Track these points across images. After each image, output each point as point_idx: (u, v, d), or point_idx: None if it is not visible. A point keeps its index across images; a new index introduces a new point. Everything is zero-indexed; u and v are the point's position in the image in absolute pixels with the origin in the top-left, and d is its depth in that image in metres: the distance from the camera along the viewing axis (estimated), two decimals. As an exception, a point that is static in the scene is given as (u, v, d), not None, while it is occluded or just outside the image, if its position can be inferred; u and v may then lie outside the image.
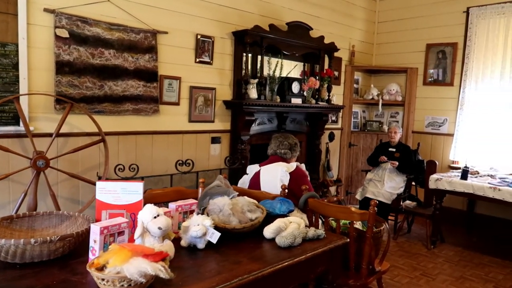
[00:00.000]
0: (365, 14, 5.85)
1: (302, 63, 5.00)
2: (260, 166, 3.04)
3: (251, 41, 4.09)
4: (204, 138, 4.07)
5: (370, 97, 5.78)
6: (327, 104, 4.97)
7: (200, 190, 2.62)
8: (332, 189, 5.54)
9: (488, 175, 4.32)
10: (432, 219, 4.35)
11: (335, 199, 3.39)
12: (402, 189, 4.72)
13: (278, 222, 2.03)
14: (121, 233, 1.65)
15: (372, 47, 6.07)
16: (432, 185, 4.30)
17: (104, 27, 3.20)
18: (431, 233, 4.36)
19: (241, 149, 4.24)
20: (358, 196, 4.87)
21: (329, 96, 5.05)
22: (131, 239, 1.71)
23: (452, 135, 5.22)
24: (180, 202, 2.01)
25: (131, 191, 1.84)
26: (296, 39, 4.51)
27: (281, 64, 4.28)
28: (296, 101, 4.57)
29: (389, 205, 4.66)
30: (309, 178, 3.01)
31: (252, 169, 3.09)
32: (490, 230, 4.91)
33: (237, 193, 2.44)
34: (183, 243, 1.86)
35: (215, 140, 4.16)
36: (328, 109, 5.04)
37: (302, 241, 2.00)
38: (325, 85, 5.00)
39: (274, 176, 2.81)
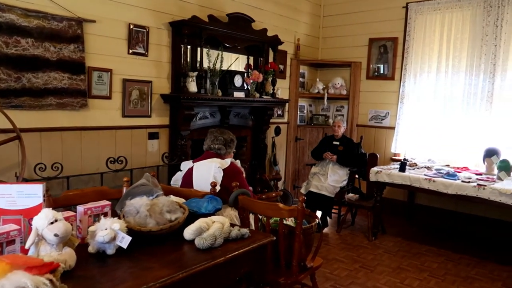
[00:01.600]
0: (310, 7, 5.83)
1: (246, 56, 4.90)
2: (193, 162, 2.90)
3: (189, 33, 3.93)
4: (141, 133, 3.87)
5: (316, 91, 5.79)
6: (272, 98, 4.91)
7: (124, 189, 2.45)
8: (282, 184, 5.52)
9: (425, 167, 4.44)
10: (373, 211, 4.41)
11: (273, 194, 3.32)
12: (345, 182, 4.76)
13: (199, 223, 1.92)
14: (10, 242, 1.46)
15: (318, 41, 6.08)
16: (372, 177, 4.36)
17: (19, 13, 2.92)
18: (372, 224, 4.43)
19: (181, 144, 4.08)
20: (302, 190, 4.86)
21: (273, 90, 4.99)
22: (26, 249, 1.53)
23: (393, 128, 5.33)
24: (90, 204, 1.85)
25: (29, 194, 1.65)
26: (237, 31, 4.39)
27: (221, 57, 4.15)
28: (239, 95, 4.47)
29: (333, 199, 4.69)
30: (244, 175, 2.92)
31: (186, 165, 2.95)
32: (429, 219, 5.09)
33: (162, 192, 2.31)
34: (91, 249, 1.70)
35: (152, 136, 3.97)
36: (273, 103, 4.98)
37: (225, 241, 1.90)
38: (270, 79, 4.93)
39: (207, 172, 2.69)
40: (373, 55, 5.53)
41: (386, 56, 5.42)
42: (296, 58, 5.61)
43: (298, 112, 5.79)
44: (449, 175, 3.99)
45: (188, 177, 2.82)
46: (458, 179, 3.91)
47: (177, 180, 2.96)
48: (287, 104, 5.59)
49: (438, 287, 3.36)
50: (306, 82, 5.97)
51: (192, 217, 2.07)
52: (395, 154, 5.38)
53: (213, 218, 2.02)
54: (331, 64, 5.90)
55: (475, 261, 3.91)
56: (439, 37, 4.84)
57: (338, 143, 4.94)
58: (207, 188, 2.63)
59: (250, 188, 3.01)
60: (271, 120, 5.34)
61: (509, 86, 4.40)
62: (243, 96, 4.52)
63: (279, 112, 5.52)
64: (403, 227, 4.94)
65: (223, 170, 2.72)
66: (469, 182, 3.78)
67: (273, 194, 3.33)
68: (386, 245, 4.30)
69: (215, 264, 1.71)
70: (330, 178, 4.69)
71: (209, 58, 4.09)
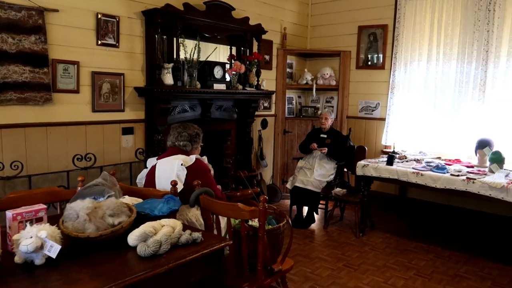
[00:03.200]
0: (297, -5, 5.61)
1: (229, 47, 4.70)
2: (157, 159, 2.73)
3: (163, 22, 3.74)
4: (113, 129, 3.69)
5: (304, 82, 5.59)
6: (256, 90, 4.72)
7: (79, 190, 2.29)
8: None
9: (415, 160, 4.25)
10: (360, 206, 4.24)
11: (249, 191, 3.15)
12: (332, 177, 4.58)
13: (144, 227, 1.75)
14: None
15: (306, 30, 5.86)
16: (359, 171, 4.18)
17: (-29, 2, 2.74)
18: (360, 220, 4.25)
19: (158, 139, 3.90)
20: (288, 185, 4.69)
21: (258, 81, 4.80)
22: None
23: (384, 119, 5.13)
24: (21, 209, 1.68)
25: None
26: (216, 20, 4.19)
27: (198, 47, 3.95)
28: (219, 87, 4.28)
29: (319, 194, 4.51)
30: (212, 172, 2.75)
31: (150, 162, 2.78)
32: (421, 214, 4.91)
33: (114, 192, 2.14)
34: (17, 259, 1.54)
35: (126, 131, 3.80)
36: (257, 95, 4.79)
37: (174, 247, 1.74)
38: (254, 70, 4.74)
39: (170, 170, 2.52)
40: (363, 43, 5.32)
41: (376, 45, 5.20)
42: (282, 48, 5.40)
43: (286, 104, 5.60)
44: (438, 168, 3.80)
45: (151, 176, 2.65)
46: (447, 172, 3.72)
47: (142, 178, 2.80)
48: (273, 96, 5.40)
49: (424, 287, 3.19)
50: (294, 73, 5.76)
51: (144, 220, 1.90)
52: (386, 147, 5.18)
53: (163, 221, 1.86)
54: (320, 54, 5.69)
55: (465, 258, 3.73)
56: (430, 24, 4.62)
57: (325, 136, 4.75)
58: (169, 187, 2.46)
59: (219, 186, 2.84)
60: (257, 113, 5.16)
61: (503, 73, 4.18)
62: (224, 88, 4.33)
63: (266, 105, 5.33)
64: (393, 222, 4.76)
65: (188, 167, 2.55)
66: (458, 175, 3.59)
67: (249, 191, 3.16)
68: (374, 241, 4.12)
69: (155, 274, 1.54)
70: (316, 172, 4.51)
71: (185, 48, 3.89)
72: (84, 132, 3.48)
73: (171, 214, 2.08)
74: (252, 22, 4.65)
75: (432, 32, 4.61)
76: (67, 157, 3.35)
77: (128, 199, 2.17)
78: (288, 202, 4.91)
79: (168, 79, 3.80)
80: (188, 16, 3.92)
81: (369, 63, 5.28)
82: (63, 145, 3.35)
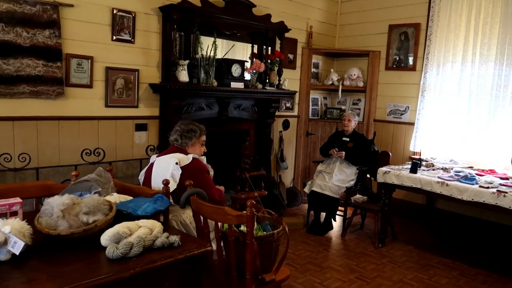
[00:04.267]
0: (326, -8, 5.41)
1: (250, 45, 4.59)
2: (157, 156, 2.66)
3: (180, 18, 3.68)
4: (126, 124, 3.69)
5: (330, 82, 5.37)
6: (276, 90, 4.57)
7: (69, 184, 2.26)
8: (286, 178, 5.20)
9: (442, 168, 3.94)
10: (380, 215, 3.98)
11: (256, 194, 3.02)
12: (352, 182, 4.35)
13: (118, 227, 1.67)
14: None
15: (334, 29, 5.64)
16: (380, 178, 3.93)
17: (-14, -4, 2.80)
18: (379, 230, 4.00)
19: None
20: (306, 189, 4.51)
21: (279, 80, 4.65)
22: None
23: (413, 124, 4.82)
24: (-6, 202, 1.65)
25: None
26: (235, 17, 4.09)
27: (215, 44, 3.87)
28: (237, 85, 4.18)
29: (337, 199, 4.30)
30: (212, 173, 2.64)
31: (152, 159, 2.72)
32: (449, 226, 4.56)
33: (100, 189, 2.09)
34: (-17, 253, 1.50)
35: (140, 127, 3.78)
36: (278, 95, 4.64)
37: (148, 250, 1.65)
38: (275, 69, 4.60)
39: (165, 169, 2.44)
40: (393, 43, 5.03)
41: (407, 45, 4.90)
42: (308, 47, 5.22)
43: (311, 105, 5.41)
44: (467, 178, 3.49)
45: (148, 173, 2.58)
46: (477, 183, 3.40)
47: (142, 175, 2.74)
48: (297, 97, 5.23)
49: (442, 307, 2.92)
50: (320, 73, 5.56)
51: (126, 220, 1.83)
52: (414, 153, 4.87)
53: (141, 222, 1.77)
54: (347, 54, 5.46)
55: (493, 279, 3.40)
56: (466, 22, 4.27)
57: (348, 139, 4.53)
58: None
59: (221, 188, 2.73)
60: (279, 113, 5.02)
61: (547, 77, 3.79)
62: (242, 86, 4.22)
63: (288, 105, 5.17)
64: (418, 233, 4.45)
65: (183, 167, 2.45)
66: (488, 187, 3.27)
67: (255, 194, 3.03)
68: (393, 254, 3.86)
69: (119, 278, 1.45)
70: (335, 177, 4.29)
71: (201, 45, 3.82)
72: (96, 127, 3.49)
73: (156, 215, 2.00)
74: (275, 19, 4.51)
75: (468, 31, 4.26)
76: (79, 151, 3.37)
77: (116, 197, 2.11)
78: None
79: (183, 76, 3.75)
80: (205, 12, 3.85)
81: (399, 64, 4.99)
82: (75, 139, 3.37)
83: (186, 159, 2.50)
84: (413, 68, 4.86)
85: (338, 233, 4.35)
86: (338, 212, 4.44)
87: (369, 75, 5.19)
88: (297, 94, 5.22)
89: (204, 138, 2.77)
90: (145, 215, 1.92)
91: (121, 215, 1.88)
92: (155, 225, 1.76)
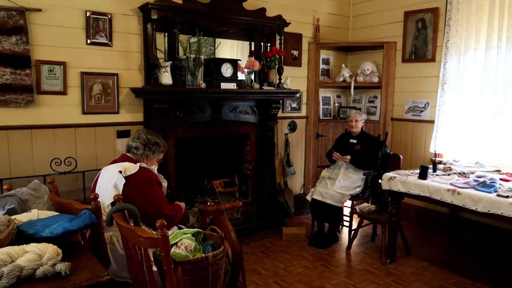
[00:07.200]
0: (335, -19, 4.98)
1: (248, 42, 4.29)
2: (109, 164, 2.44)
3: (160, 17, 3.47)
4: (107, 131, 3.53)
5: (341, 79, 4.93)
6: (275, 89, 4.23)
7: (0, 199, 2.09)
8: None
9: (459, 173, 3.39)
10: (388, 226, 3.51)
11: (227, 206, 2.69)
12: (359, 189, 3.91)
13: (-4, 253, 1.45)
14: None
15: (347, 21, 5.18)
16: (385, 185, 3.46)
17: None
18: (387, 244, 3.52)
19: (155, 143, 3.64)
20: (308, 197, 4.11)
21: (280, 79, 4.30)
22: None
23: (434, 122, 4.26)
24: None
25: None
26: (223, 13, 3.81)
27: (199, 43, 3.61)
28: (228, 86, 3.88)
29: (341, 209, 3.88)
30: (165, 185, 2.38)
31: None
32: (476, 240, 3.95)
33: (14, 206, 1.89)
34: None
35: (122, 134, 3.61)
36: (277, 95, 4.28)
37: (29, 280, 1.42)
38: (275, 67, 4.26)
39: (109, 180, 2.21)
40: (410, 32, 4.49)
41: (425, 33, 4.35)
42: (315, 41, 4.81)
43: (321, 105, 5.00)
44: (484, 185, 2.94)
45: (94, 184, 2.37)
46: (495, 191, 2.85)
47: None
48: (304, 96, 4.84)
49: None
50: (332, 70, 5.13)
51: (30, 242, 1.62)
52: (435, 155, 4.29)
53: (30, 246, 1.54)
54: (361, 47, 4.98)
55: (518, 307, 2.83)
56: (490, 2, 3.67)
57: (355, 141, 4.09)
58: (105, 199, 2.16)
59: (182, 204, 2.46)
60: (284, 114, 4.68)
61: None
62: (235, 87, 3.93)
63: (294, 105, 4.79)
64: (438, 247, 3.90)
65: (128, 177, 2.21)
66: (507, 196, 2.72)
67: (227, 206, 2.72)
68: (402, 271, 3.37)
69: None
70: (339, 183, 3.87)
71: (184, 45, 3.58)
72: (73, 135, 3.36)
73: (71, 236, 1.77)
74: (274, 13, 4.18)
75: (492, 13, 3.66)
76: (56, 160, 3.25)
77: (34, 213, 1.90)
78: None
79: (166, 78, 3.53)
80: (188, 10, 3.61)
81: (417, 55, 4.44)
82: (50, 148, 3.25)
83: (133, 168, 2.26)
84: (432, 59, 4.30)
85: (345, 246, 3.91)
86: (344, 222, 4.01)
87: (385, 69, 4.69)
88: (305, 93, 4.84)
89: (162, 156, 2.55)
90: (51, 236, 1.69)
91: (22, 236, 1.67)
92: (47, 250, 1.53)
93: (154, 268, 1.91)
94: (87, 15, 3.30)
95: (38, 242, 1.62)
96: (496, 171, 3.52)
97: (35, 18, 3.09)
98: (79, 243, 1.87)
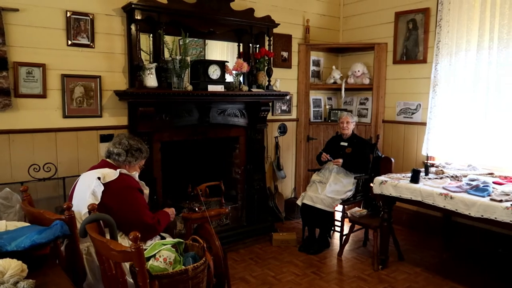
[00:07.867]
0: (325, -18, 4.91)
1: (236, 44, 4.19)
2: (88, 170, 2.33)
3: (144, 18, 3.37)
4: (90, 136, 3.41)
5: (332, 81, 4.85)
6: (264, 91, 4.13)
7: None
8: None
9: (452, 176, 3.32)
10: (380, 231, 3.42)
11: (212, 213, 2.58)
12: (350, 193, 3.82)
13: (-49, 271, 1.33)
14: None
15: (338, 22, 5.11)
16: (376, 189, 3.38)
17: None
18: (379, 250, 3.43)
19: (140, 147, 3.53)
20: (298, 202, 4.02)
21: (269, 81, 4.21)
22: None
23: (426, 124, 4.19)
24: None
25: None
26: (209, 14, 3.71)
27: (184, 44, 3.51)
28: (215, 88, 3.78)
29: (332, 213, 3.79)
30: (146, 192, 2.27)
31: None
32: (472, 244, 3.88)
33: (-21, 217, 1.77)
34: None
35: (106, 138, 3.48)
36: (267, 97, 4.18)
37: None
38: (264, 68, 4.17)
39: (87, 186, 2.10)
40: (401, 33, 4.42)
41: (416, 34, 4.28)
42: (305, 43, 4.73)
43: (312, 107, 4.92)
44: (477, 189, 2.87)
45: (72, 191, 2.25)
46: (489, 195, 2.77)
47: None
48: (294, 98, 4.75)
49: None
50: (323, 71, 5.05)
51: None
52: (427, 158, 4.22)
53: (-8, 262, 1.42)
54: (351, 48, 4.91)
55: (513, 314, 2.75)
56: (481, 2, 3.62)
57: (346, 143, 4.01)
58: (82, 207, 2.04)
59: (170, 210, 2.36)
60: (274, 117, 4.59)
61: None
62: (222, 89, 3.83)
63: (284, 108, 4.70)
64: (432, 252, 3.81)
65: (108, 183, 2.10)
66: (501, 201, 2.64)
67: (212, 213, 2.61)
68: (394, 278, 3.28)
69: None
70: (329, 188, 3.78)
71: (167, 46, 3.48)
72: (54, 139, 3.24)
73: (40, 249, 1.65)
74: (262, 14, 4.09)
75: (483, 13, 3.60)
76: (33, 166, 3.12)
77: (2, 225, 1.79)
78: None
79: (151, 80, 3.42)
80: (173, 10, 3.50)
81: (408, 56, 4.37)
82: (29, 154, 3.13)
83: (113, 174, 2.14)
84: (423, 60, 4.24)
85: (336, 252, 3.81)
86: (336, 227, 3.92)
87: (376, 71, 4.61)
88: (295, 95, 4.75)
89: (144, 162, 2.44)
90: (17, 250, 1.58)
91: (-15, 250, 1.55)
92: (10, 266, 1.41)
93: (131, 280, 1.80)
94: (68, 15, 3.18)
95: (3, 257, 1.50)
96: (489, 174, 3.46)
97: (12, 18, 2.97)
98: (50, 256, 1.75)
